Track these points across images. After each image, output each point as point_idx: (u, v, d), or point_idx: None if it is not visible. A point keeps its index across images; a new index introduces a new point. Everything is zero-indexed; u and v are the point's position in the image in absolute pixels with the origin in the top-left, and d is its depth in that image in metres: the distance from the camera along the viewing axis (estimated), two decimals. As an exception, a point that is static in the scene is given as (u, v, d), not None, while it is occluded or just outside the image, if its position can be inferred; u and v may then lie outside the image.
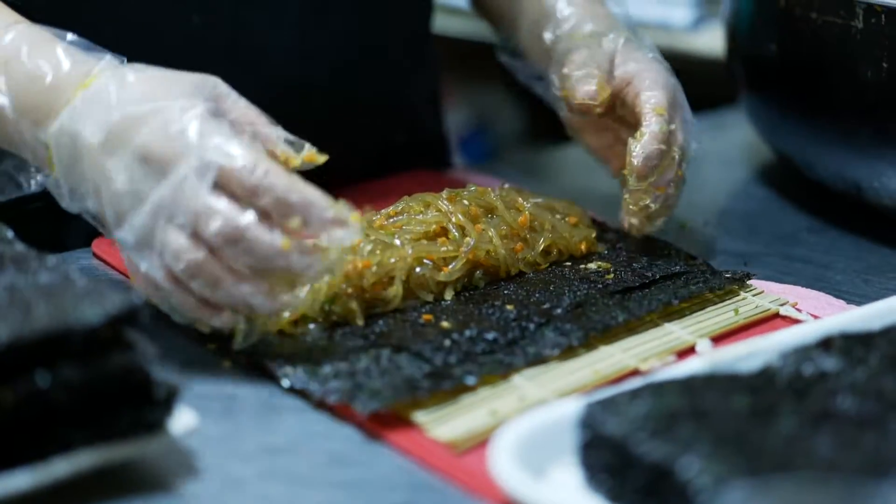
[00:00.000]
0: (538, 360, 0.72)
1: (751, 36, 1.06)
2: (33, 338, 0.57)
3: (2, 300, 0.60)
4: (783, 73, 1.02)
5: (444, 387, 0.69)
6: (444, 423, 0.66)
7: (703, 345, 0.76)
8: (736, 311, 0.81)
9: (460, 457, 0.64)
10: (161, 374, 0.62)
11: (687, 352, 0.76)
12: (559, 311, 0.77)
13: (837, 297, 0.85)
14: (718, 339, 0.78)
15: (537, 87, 0.98)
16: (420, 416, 0.67)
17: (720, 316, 0.80)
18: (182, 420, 0.62)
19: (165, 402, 0.61)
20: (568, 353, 0.74)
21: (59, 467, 0.57)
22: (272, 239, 0.67)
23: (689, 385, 0.60)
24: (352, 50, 0.99)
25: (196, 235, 0.68)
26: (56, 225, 0.92)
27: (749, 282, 0.86)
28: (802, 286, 0.86)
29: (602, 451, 0.58)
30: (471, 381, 0.69)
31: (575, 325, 0.76)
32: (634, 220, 0.88)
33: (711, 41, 1.65)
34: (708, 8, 1.79)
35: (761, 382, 0.61)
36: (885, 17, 0.90)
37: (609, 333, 0.76)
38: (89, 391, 0.58)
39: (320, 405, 0.69)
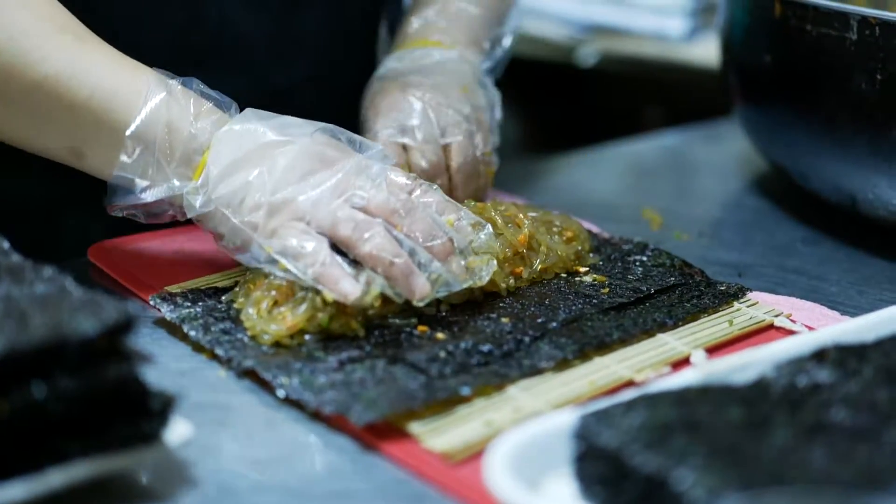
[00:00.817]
0: (533, 371, 0.73)
1: (746, 47, 1.07)
2: (29, 348, 0.57)
3: (-3, 311, 0.60)
4: (778, 84, 1.02)
5: (439, 396, 0.69)
6: (438, 434, 0.67)
7: (698, 356, 0.76)
8: (730, 322, 0.81)
9: (456, 468, 0.64)
10: (156, 384, 0.62)
11: (682, 363, 0.76)
12: (554, 324, 0.77)
13: (832, 308, 0.85)
14: (713, 349, 0.78)
15: None
16: (415, 427, 0.67)
17: (715, 327, 0.81)
18: (177, 430, 0.62)
19: (161, 413, 0.61)
20: (563, 364, 0.74)
21: (55, 478, 0.57)
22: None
23: (684, 397, 0.60)
24: (336, 48, 1.00)
25: (364, 211, 0.77)
26: (52, 233, 0.93)
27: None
28: (797, 297, 0.86)
29: (596, 463, 0.58)
30: (466, 391, 0.70)
31: (570, 339, 0.76)
32: None
33: (706, 52, 1.65)
34: (703, 19, 1.80)
35: (755, 394, 0.61)
36: (880, 29, 0.90)
37: (603, 347, 0.76)
38: (85, 402, 0.58)
39: (316, 416, 0.69)
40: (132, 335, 0.60)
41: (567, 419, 0.61)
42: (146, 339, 0.76)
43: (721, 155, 1.25)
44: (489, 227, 0.81)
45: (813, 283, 0.91)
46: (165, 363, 0.73)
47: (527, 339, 0.75)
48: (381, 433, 0.67)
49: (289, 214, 0.77)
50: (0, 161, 0.92)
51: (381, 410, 0.67)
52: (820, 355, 0.64)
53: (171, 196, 0.79)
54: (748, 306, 0.84)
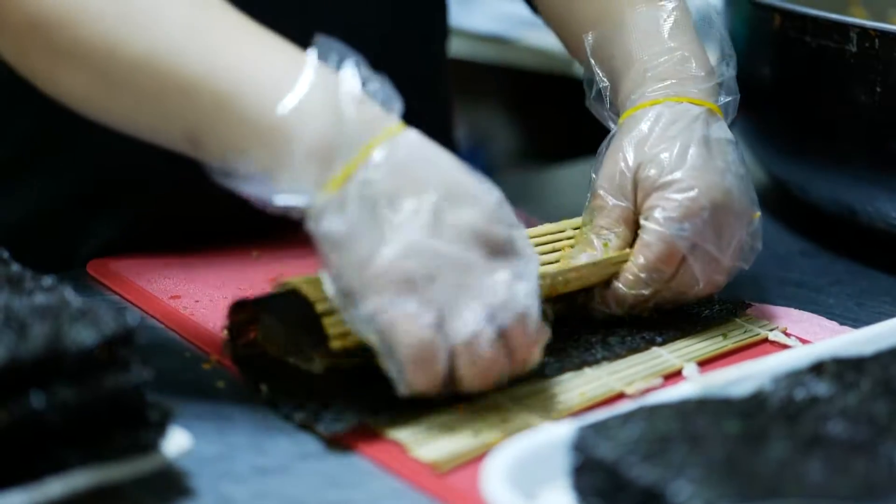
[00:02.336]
0: (513, 384, 0.71)
1: (745, 58, 1.07)
2: (28, 358, 0.57)
3: (-3, 321, 0.60)
4: (777, 95, 1.02)
5: (408, 416, 0.68)
6: (427, 444, 0.67)
7: (690, 369, 0.76)
8: (724, 335, 0.81)
9: (452, 479, 0.64)
10: (155, 395, 0.62)
11: (673, 375, 0.76)
12: None
13: (830, 320, 0.85)
14: (706, 363, 0.78)
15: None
16: (403, 435, 0.67)
17: (708, 340, 0.80)
18: (176, 441, 0.62)
19: (159, 424, 0.61)
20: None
21: (53, 487, 0.57)
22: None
23: (682, 409, 0.60)
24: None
25: (502, 336, 0.67)
26: (54, 245, 0.93)
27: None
28: (795, 309, 0.86)
29: (594, 475, 0.58)
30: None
31: (551, 358, 0.74)
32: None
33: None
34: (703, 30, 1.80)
35: (753, 407, 0.61)
36: (879, 42, 0.90)
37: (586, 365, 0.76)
38: (84, 412, 0.58)
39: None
40: (131, 345, 0.61)
41: (564, 431, 0.61)
42: (144, 349, 0.76)
43: (720, 166, 1.24)
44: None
45: (811, 295, 0.91)
46: (163, 373, 0.73)
47: None
48: (368, 440, 0.67)
49: (423, 300, 0.65)
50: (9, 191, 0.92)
51: (349, 422, 0.67)
52: (818, 368, 0.64)
53: (297, 206, 0.66)
54: (743, 320, 0.83)
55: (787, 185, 1.05)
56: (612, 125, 0.85)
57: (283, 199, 0.65)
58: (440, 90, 1.09)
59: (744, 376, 0.66)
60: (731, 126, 0.85)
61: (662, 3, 0.86)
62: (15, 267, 0.67)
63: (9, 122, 0.91)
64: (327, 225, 0.65)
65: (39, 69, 0.72)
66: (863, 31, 0.91)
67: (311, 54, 0.67)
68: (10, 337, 0.58)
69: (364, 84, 0.67)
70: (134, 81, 0.68)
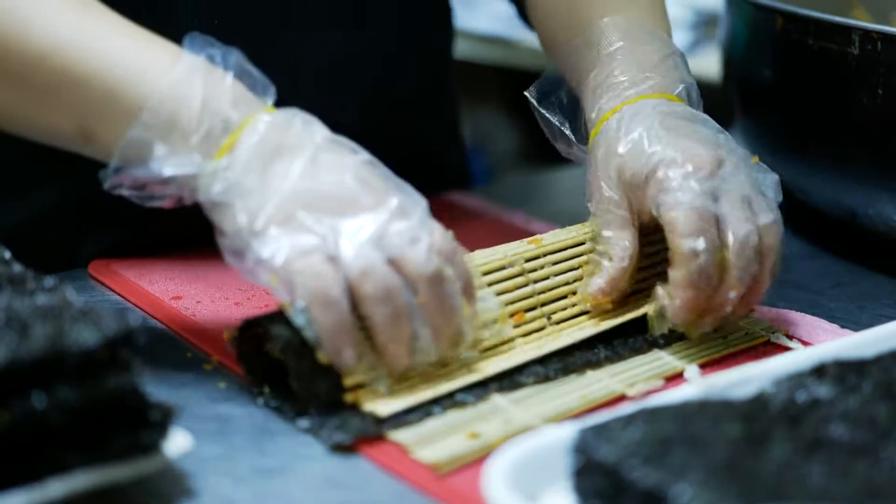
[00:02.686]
0: (514, 385, 0.72)
1: (747, 60, 1.07)
2: (30, 359, 0.57)
3: (-1, 321, 0.60)
4: (779, 98, 1.02)
5: (411, 420, 0.69)
6: (427, 445, 0.67)
7: (692, 371, 0.76)
8: (725, 337, 0.80)
9: (454, 481, 0.64)
10: (156, 395, 0.62)
11: (675, 377, 0.76)
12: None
13: (832, 322, 0.85)
14: (707, 365, 0.78)
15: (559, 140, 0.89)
16: (402, 436, 0.67)
17: (710, 342, 0.80)
18: (177, 442, 0.62)
19: (161, 425, 0.61)
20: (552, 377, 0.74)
21: (55, 488, 0.57)
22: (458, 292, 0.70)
23: (683, 411, 0.60)
24: (381, 91, 0.99)
25: (394, 264, 0.68)
26: (56, 246, 0.93)
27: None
28: (796, 311, 0.86)
29: (595, 477, 0.58)
30: (438, 410, 0.70)
31: (555, 359, 0.75)
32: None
33: (707, 65, 1.65)
34: (704, 32, 1.80)
35: (754, 409, 0.61)
36: (882, 44, 0.90)
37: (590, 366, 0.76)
38: (85, 413, 0.58)
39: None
40: (132, 346, 0.61)
41: (566, 433, 0.61)
42: (145, 350, 0.76)
43: (722, 168, 1.24)
44: (494, 301, 0.76)
45: (812, 298, 0.91)
46: (165, 374, 0.74)
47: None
48: (370, 442, 0.68)
49: (315, 243, 0.68)
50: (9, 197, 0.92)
51: (353, 431, 0.68)
52: (819, 371, 0.64)
53: (186, 173, 0.70)
54: (745, 322, 0.83)
55: (789, 188, 1.05)
56: (583, 155, 0.85)
57: (172, 169, 0.70)
58: (446, 91, 1.10)
59: (745, 379, 0.66)
60: (729, 127, 0.85)
61: (617, 15, 0.86)
62: (17, 267, 0.68)
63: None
64: (216, 188, 0.69)
65: None
66: (865, 33, 0.91)
67: (187, 47, 0.72)
68: (11, 337, 0.58)
69: (237, 72, 0.72)
70: (27, 81, 0.72)
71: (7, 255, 0.70)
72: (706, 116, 0.83)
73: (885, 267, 0.96)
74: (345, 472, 0.66)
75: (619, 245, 0.79)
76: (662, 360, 0.77)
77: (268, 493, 0.63)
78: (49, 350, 0.57)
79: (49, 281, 0.66)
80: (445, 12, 1.06)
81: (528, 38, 1.87)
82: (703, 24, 1.80)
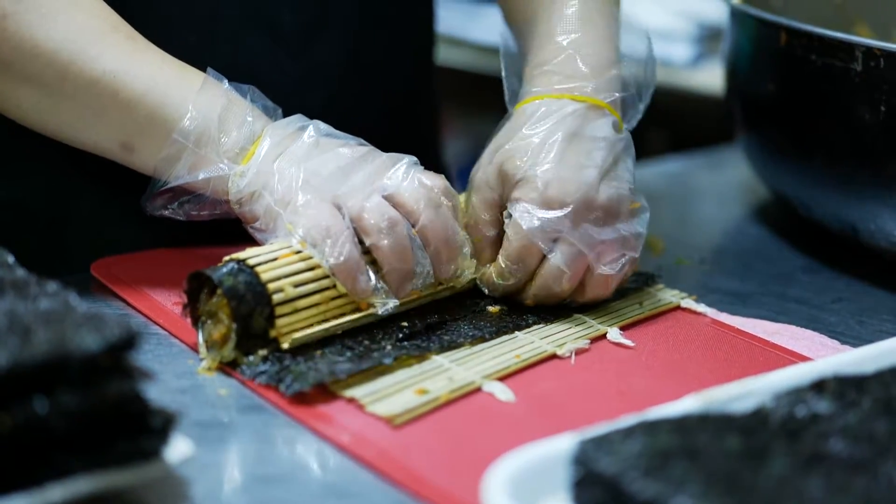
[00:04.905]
0: (451, 345, 0.79)
1: (750, 75, 1.07)
2: (32, 364, 0.57)
3: (1, 325, 0.60)
4: (781, 112, 1.03)
5: (363, 367, 0.75)
6: (380, 400, 0.72)
7: (614, 333, 0.83)
8: (640, 303, 0.89)
9: (455, 490, 0.64)
10: (157, 401, 0.62)
11: (599, 338, 0.83)
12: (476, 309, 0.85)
13: (832, 338, 0.85)
14: (626, 327, 0.85)
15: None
16: (356, 392, 0.73)
17: (627, 308, 0.88)
18: (178, 448, 0.62)
19: (162, 431, 0.61)
20: (484, 340, 0.81)
21: (55, 493, 0.58)
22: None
23: (683, 424, 0.61)
24: (352, 78, 1.00)
25: (390, 200, 0.79)
26: (56, 247, 0.93)
27: (742, 320, 0.87)
28: (797, 326, 0.87)
29: (594, 489, 0.58)
30: (388, 361, 0.75)
31: (488, 323, 0.83)
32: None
33: (710, 79, 1.66)
34: (707, 45, 1.81)
35: (754, 423, 0.61)
36: (884, 61, 0.91)
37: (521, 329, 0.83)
38: (87, 418, 0.58)
39: (315, 434, 0.69)
40: (135, 352, 0.61)
41: (565, 444, 0.61)
42: (147, 356, 0.77)
43: (723, 182, 1.25)
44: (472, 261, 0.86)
45: (813, 313, 0.91)
46: (166, 380, 0.74)
47: (448, 319, 0.82)
48: (328, 398, 0.73)
49: (320, 195, 0.79)
50: (6, 173, 0.93)
51: (308, 381, 0.72)
52: (819, 386, 0.64)
53: (219, 178, 0.81)
54: (656, 290, 0.91)
55: (790, 202, 1.05)
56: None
57: (206, 175, 0.81)
58: (426, 95, 1.10)
59: (745, 392, 0.66)
60: (643, 129, 0.88)
61: None
62: (20, 272, 0.68)
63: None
64: (242, 184, 0.81)
65: None
66: (868, 50, 0.91)
67: (212, 77, 0.84)
68: (14, 342, 0.58)
69: (251, 97, 0.84)
70: (80, 101, 0.82)
71: (10, 259, 0.70)
72: (610, 139, 0.85)
73: (886, 282, 0.97)
74: (344, 480, 0.66)
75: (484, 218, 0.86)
76: (586, 323, 0.85)
77: (268, 501, 0.64)
78: (51, 355, 0.57)
79: (52, 285, 0.66)
80: (427, 16, 1.07)
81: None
82: (707, 38, 1.81)
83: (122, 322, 0.60)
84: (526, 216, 0.82)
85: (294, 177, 0.80)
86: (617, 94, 0.86)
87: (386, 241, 0.78)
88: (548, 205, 0.82)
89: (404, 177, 0.81)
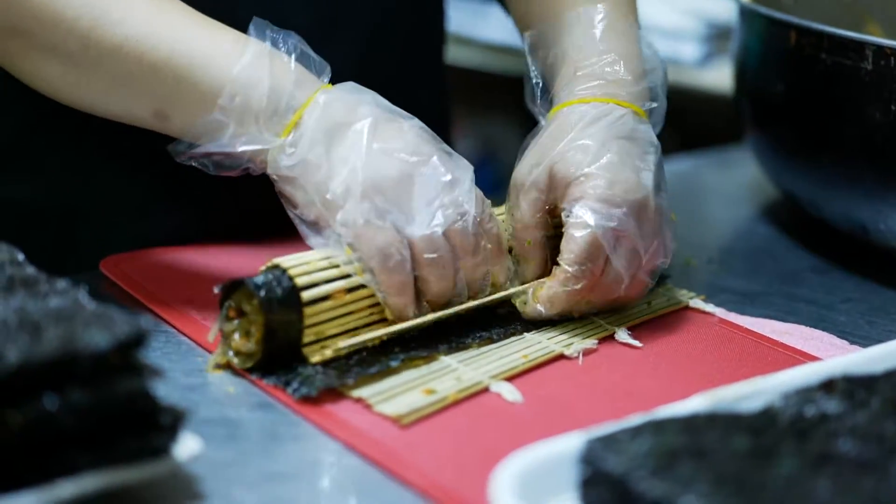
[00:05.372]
0: (460, 347, 0.79)
1: (759, 74, 1.07)
2: (42, 361, 0.57)
3: (12, 323, 0.60)
4: (791, 112, 1.03)
5: (371, 371, 0.74)
6: (388, 400, 0.72)
7: (622, 334, 0.83)
8: (649, 303, 0.88)
9: (462, 489, 0.64)
10: (166, 399, 0.62)
11: (607, 339, 0.83)
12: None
13: (841, 337, 0.85)
14: (634, 327, 0.85)
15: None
16: (365, 392, 0.73)
17: (636, 308, 0.87)
18: (187, 446, 0.62)
19: (171, 428, 0.61)
20: (492, 340, 0.81)
21: (64, 489, 0.58)
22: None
23: (691, 424, 0.61)
24: (364, 78, 0.99)
25: (445, 234, 0.78)
26: (66, 244, 0.93)
27: (751, 320, 0.87)
28: (806, 326, 0.87)
29: (602, 488, 0.58)
30: (395, 363, 0.75)
31: (496, 324, 0.83)
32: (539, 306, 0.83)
33: (719, 78, 1.66)
34: (717, 45, 1.80)
35: (763, 423, 0.61)
36: (895, 60, 0.90)
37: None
38: (96, 415, 0.58)
39: (325, 433, 0.69)
40: (144, 350, 0.61)
41: (573, 443, 0.61)
42: (157, 354, 0.77)
43: (732, 182, 1.25)
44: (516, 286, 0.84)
45: (822, 313, 0.91)
46: (175, 378, 0.74)
47: (454, 319, 0.81)
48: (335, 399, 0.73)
49: (381, 213, 0.76)
50: (15, 169, 0.93)
51: (316, 386, 0.72)
52: (828, 386, 0.64)
53: (257, 148, 0.78)
54: (664, 290, 0.91)
55: (800, 202, 1.05)
56: (542, 120, 0.88)
57: (244, 145, 0.78)
58: (437, 94, 1.09)
59: (754, 392, 0.66)
60: (659, 136, 0.87)
61: (600, 4, 0.88)
62: (30, 269, 0.68)
63: (13, 105, 0.92)
64: (284, 162, 0.78)
65: (23, 67, 0.82)
66: (879, 49, 0.91)
67: (251, 33, 0.80)
68: (24, 339, 0.58)
69: (297, 54, 0.80)
70: (106, 69, 0.79)
71: (20, 256, 0.70)
72: (657, 146, 0.85)
73: (895, 282, 0.96)
74: (352, 479, 0.66)
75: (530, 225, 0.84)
76: (594, 323, 0.84)
77: (276, 499, 0.64)
78: (61, 352, 0.58)
79: (62, 283, 0.66)
80: (437, 14, 1.06)
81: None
82: (716, 36, 1.80)
83: (131, 320, 0.61)
84: (592, 213, 0.80)
85: (349, 178, 0.76)
86: (653, 104, 0.86)
87: (436, 273, 0.78)
88: (611, 203, 0.80)
89: (462, 211, 0.78)
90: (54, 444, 0.58)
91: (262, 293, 0.73)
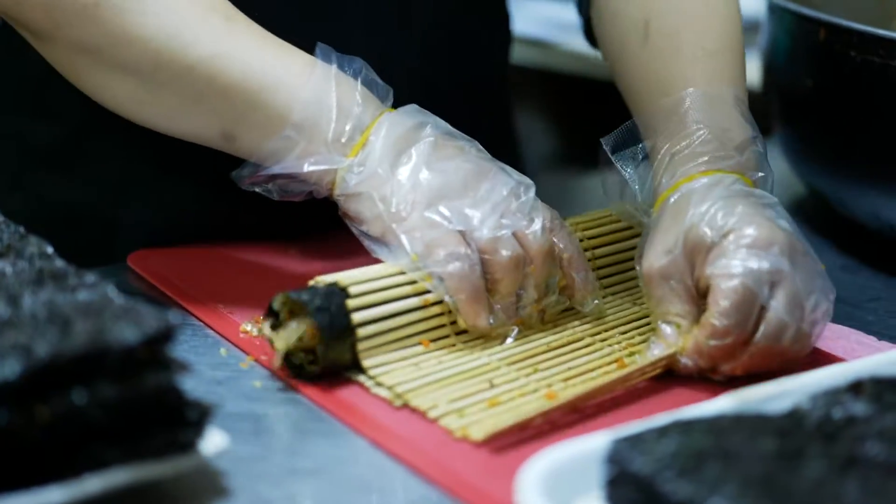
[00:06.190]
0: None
1: (788, 70, 1.06)
2: (71, 355, 0.57)
3: (41, 316, 0.60)
4: (819, 108, 1.02)
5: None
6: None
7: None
8: None
9: (489, 488, 0.64)
10: (192, 393, 0.62)
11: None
12: None
13: (868, 335, 0.84)
14: None
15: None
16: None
17: None
18: (213, 441, 0.62)
19: (198, 423, 0.61)
20: None
21: (92, 484, 0.58)
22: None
23: (718, 425, 0.60)
24: (430, 76, 0.99)
25: (515, 237, 0.77)
26: (99, 237, 0.94)
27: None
28: (833, 324, 0.86)
29: (628, 489, 0.58)
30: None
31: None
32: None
33: (748, 73, 1.65)
34: (745, 39, 1.79)
35: (790, 425, 0.61)
36: (924, 58, 0.90)
37: None
38: (124, 410, 0.59)
39: (351, 428, 0.70)
40: (171, 344, 0.61)
41: (599, 443, 0.61)
42: (183, 347, 0.77)
43: (760, 177, 1.24)
44: (599, 293, 0.83)
45: (850, 311, 0.90)
46: (202, 371, 0.74)
47: None
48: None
49: (448, 223, 0.76)
50: (67, 173, 0.93)
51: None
52: (856, 387, 0.64)
53: (326, 170, 0.78)
54: None
55: (828, 199, 1.04)
56: (644, 218, 0.83)
57: (314, 167, 0.78)
58: (502, 95, 1.09)
59: (781, 393, 0.66)
60: (768, 135, 0.84)
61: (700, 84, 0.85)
62: (59, 262, 0.68)
63: (57, 105, 0.92)
64: (352, 181, 0.78)
65: (89, 81, 0.82)
66: (908, 46, 0.90)
67: (318, 56, 0.80)
68: (53, 333, 0.58)
69: (362, 77, 0.81)
70: (175, 89, 0.79)
71: (49, 249, 0.70)
72: (780, 207, 0.80)
73: (923, 281, 0.96)
74: (378, 476, 0.66)
75: (681, 313, 0.77)
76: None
77: (301, 494, 0.64)
78: (90, 347, 0.58)
79: (90, 277, 0.66)
80: (503, 15, 1.06)
81: (567, 42, 1.87)
82: (744, 31, 1.79)
83: (159, 314, 0.61)
84: (740, 261, 0.73)
85: (413, 191, 0.77)
86: (759, 174, 0.82)
87: (510, 276, 0.77)
88: (754, 249, 0.74)
89: (529, 216, 0.78)
90: (82, 439, 0.58)
91: (319, 321, 0.73)
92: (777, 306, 0.74)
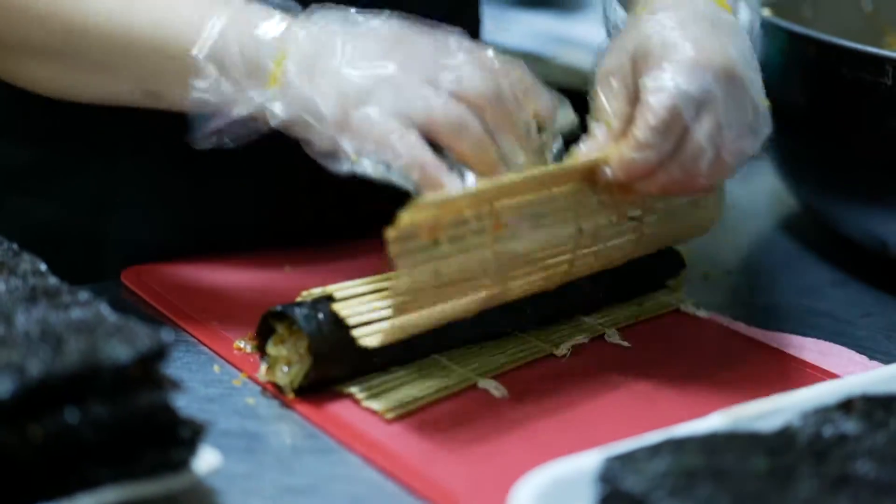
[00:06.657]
0: (450, 345, 0.79)
1: (779, 87, 1.06)
2: (63, 374, 0.57)
3: (34, 334, 0.60)
4: (811, 125, 1.02)
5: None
6: (376, 398, 0.74)
7: (612, 334, 0.84)
8: (640, 304, 0.89)
9: (479, 500, 0.64)
10: (185, 411, 0.62)
11: (597, 338, 0.84)
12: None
13: (860, 353, 0.85)
14: (624, 329, 0.86)
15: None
16: (353, 389, 0.75)
17: (627, 310, 0.88)
18: (206, 459, 0.62)
19: (190, 442, 0.61)
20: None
21: (84, 503, 0.58)
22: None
23: (709, 443, 0.60)
24: None
25: (456, 97, 0.72)
26: (89, 253, 0.94)
27: (771, 334, 0.86)
28: (825, 341, 0.86)
29: (620, 507, 0.58)
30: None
31: (488, 321, 0.79)
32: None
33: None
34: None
35: (781, 443, 0.61)
36: (915, 75, 0.90)
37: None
38: (116, 429, 0.59)
39: (342, 446, 0.70)
40: (164, 362, 0.61)
41: (591, 461, 0.61)
42: (177, 364, 0.77)
43: (752, 194, 1.24)
44: (569, 109, 0.78)
45: (841, 327, 0.90)
46: (194, 388, 0.74)
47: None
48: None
49: (372, 105, 0.71)
50: (35, 192, 0.93)
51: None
52: (847, 406, 0.64)
53: (252, 111, 0.74)
54: (662, 293, 0.91)
55: (820, 216, 1.05)
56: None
57: (240, 108, 0.74)
58: None
59: (772, 410, 0.66)
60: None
61: None
62: (52, 280, 0.68)
63: (32, 125, 0.92)
64: (278, 111, 0.73)
65: (5, 70, 0.83)
66: (899, 65, 0.91)
67: None
68: (46, 352, 0.58)
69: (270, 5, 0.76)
70: (90, 57, 0.78)
71: (43, 267, 0.70)
72: (746, 31, 0.80)
73: (915, 298, 0.96)
74: (372, 494, 0.66)
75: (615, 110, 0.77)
76: (585, 323, 0.85)
77: (294, 512, 0.64)
78: (83, 365, 0.58)
79: (84, 294, 0.66)
80: (473, 24, 1.06)
81: (561, 55, 1.87)
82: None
83: (152, 333, 0.61)
84: (672, 79, 0.73)
85: (341, 92, 0.71)
86: (739, 1, 0.81)
87: (467, 144, 0.71)
88: (691, 70, 0.73)
89: (460, 62, 0.72)
90: (74, 458, 0.58)
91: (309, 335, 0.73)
92: (699, 129, 0.74)
